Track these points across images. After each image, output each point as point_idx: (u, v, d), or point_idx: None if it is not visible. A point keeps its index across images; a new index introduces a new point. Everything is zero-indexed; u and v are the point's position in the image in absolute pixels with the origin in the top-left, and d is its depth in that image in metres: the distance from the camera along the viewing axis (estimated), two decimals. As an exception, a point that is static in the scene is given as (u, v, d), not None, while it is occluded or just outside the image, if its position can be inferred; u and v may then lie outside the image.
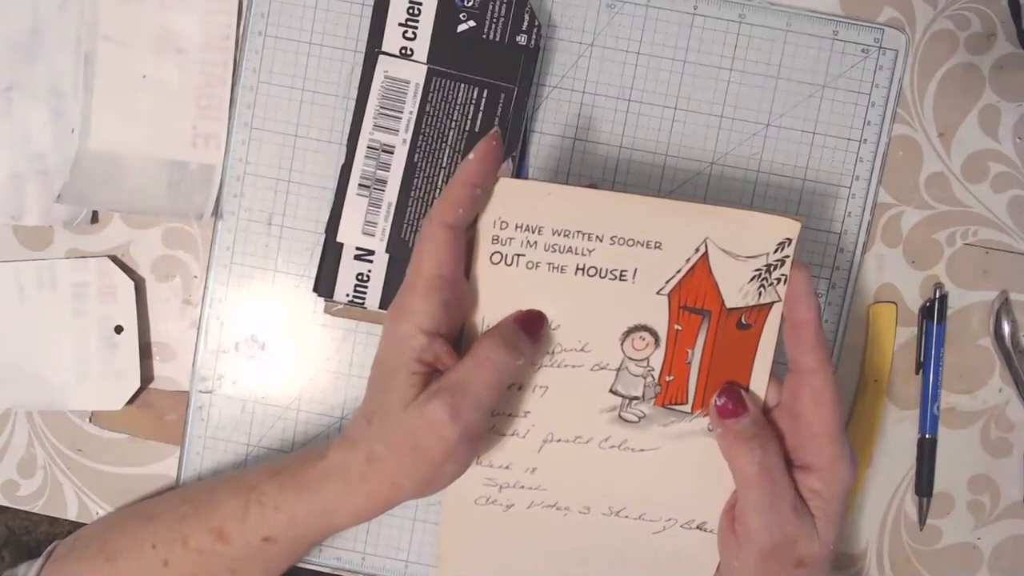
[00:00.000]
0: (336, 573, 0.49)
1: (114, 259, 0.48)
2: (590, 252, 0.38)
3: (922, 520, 0.49)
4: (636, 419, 0.40)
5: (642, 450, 0.41)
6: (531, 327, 0.39)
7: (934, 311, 0.47)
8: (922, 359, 0.48)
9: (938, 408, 0.48)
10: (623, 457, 0.41)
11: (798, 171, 0.47)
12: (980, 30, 0.47)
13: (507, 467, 0.41)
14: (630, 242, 0.38)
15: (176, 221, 0.48)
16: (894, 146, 0.47)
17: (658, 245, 0.38)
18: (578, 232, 0.38)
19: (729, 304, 0.39)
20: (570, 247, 0.38)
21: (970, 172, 0.47)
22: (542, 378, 0.40)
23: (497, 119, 0.46)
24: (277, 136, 0.47)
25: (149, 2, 0.47)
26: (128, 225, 0.48)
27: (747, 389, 0.40)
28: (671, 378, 0.40)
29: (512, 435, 0.41)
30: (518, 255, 0.39)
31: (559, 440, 0.41)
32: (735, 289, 0.39)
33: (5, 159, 0.47)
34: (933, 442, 0.48)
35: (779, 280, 0.39)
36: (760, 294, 0.39)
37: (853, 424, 0.48)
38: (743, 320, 0.40)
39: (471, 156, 0.37)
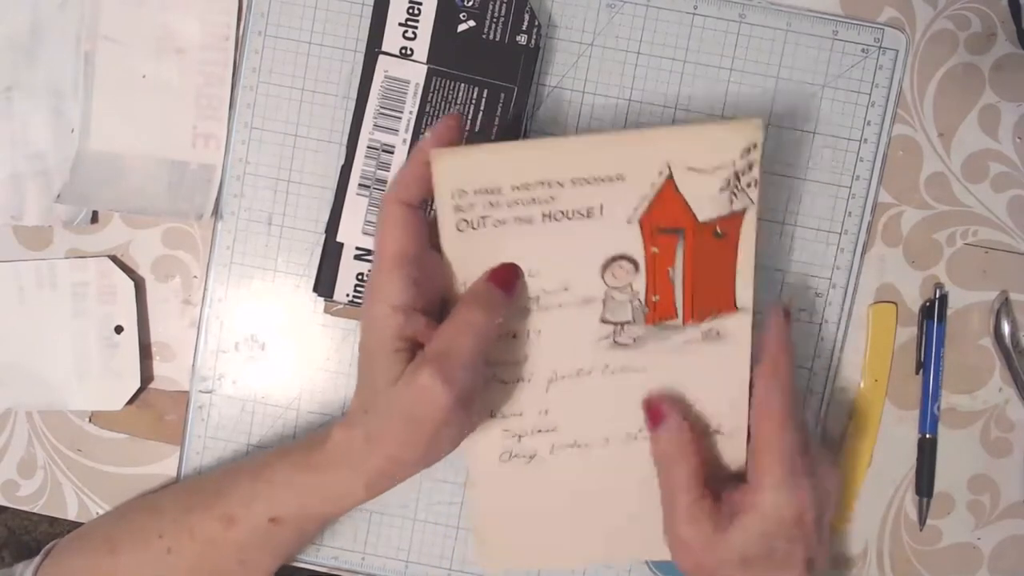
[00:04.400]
0: (336, 573, 0.49)
1: (114, 259, 0.48)
2: (553, 199, 0.39)
3: (922, 520, 0.49)
4: (631, 341, 0.41)
5: (644, 369, 0.41)
6: (505, 281, 0.39)
7: (934, 311, 0.47)
8: (922, 359, 0.48)
9: (938, 408, 0.48)
10: (628, 380, 0.42)
11: (798, 171, 0.47)
12: (980, 30, 0.47)
13: (520, 414, 0.42)
14: (591, 180, 0.38)
15: (176, 221, 0.48)
16: (894, 146, 0.47)
17: (620, 177, 0.38)
18: (537, 182, 0.38)
19: (701, 217, 0.39)
20: (532, 198, 0.38)
21: (970, 172, 0.47)
22: (533, 323, 0.41)
23: (497, 119, 0.46)
24: (277, 136, 0.47)
25: (149, 2, 0.47)
26: (128, 225, 0.48)
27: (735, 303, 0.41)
28: (657, 297, 0.40)
29: (518, 381, 0.41)
30: (483, 217, 0.39)
31: (563, 377, 0.42)
32: (705, 201, 0.39)
33: (5, 159, 0.47)
34: (933, 442, 0.48)
35: (749, 184, 0.39)
36: (732, 201, 0.39)
37: (853, 424, 0.48)
38: (718, 230, 0.40)
39: (427, 135, 0.38)
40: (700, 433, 0.41)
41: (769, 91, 0.47)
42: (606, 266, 0.40)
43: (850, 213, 0.47)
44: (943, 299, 0.47)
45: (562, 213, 0.39)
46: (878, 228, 0.48)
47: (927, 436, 0.48)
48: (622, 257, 0.40)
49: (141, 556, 0.42)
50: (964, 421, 0.49)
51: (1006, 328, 0.48)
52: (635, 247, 0.40)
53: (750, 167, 0.39)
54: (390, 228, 0.37)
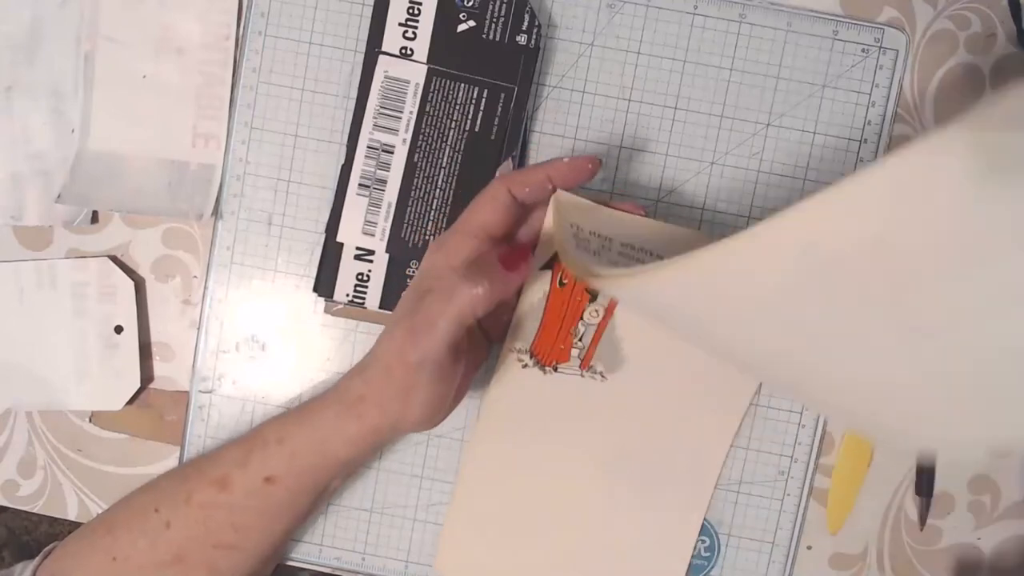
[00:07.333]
0: (336, 573, 0.49)
1: (114, 259, 0.48)
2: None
3: (922, 520, 0.49)
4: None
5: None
6: (512, 263, 0.39)
7: (934, 311, 0.47)
8: (922, 359, 0.48)
9: (938, 408, 0.48)
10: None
11: (798, 171, 0.47)
12: (980, 30, 0.47)
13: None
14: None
15: (176, 221, 0.48)
16: (894, 146, 0.47)
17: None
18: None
19: None
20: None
21: (970, 172, 0.47)
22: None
23: (497, 119, 0.46)
24: (277, 136, 0.47)
25: (149, 2, 0.47)
26: (128, 225, 0.48)
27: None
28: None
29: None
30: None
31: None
32: None
33: (5, 159, 0.47)
34: (933, 442, 0.48)
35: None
36: None
37: (853, 424, 0.48)
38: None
39: (566, 160, 0.40)
40: None
41: (769, 91, 0.47)
42: None
43: (850, 213, 0.47)
44: (943, 299, 0.47)
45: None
46: (878, 228, 0.48)
47: (927, 436, 0.48)
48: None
49: (138, 530, 0.42)
50: (964, 421, 0.49)
51: (1006, 328, 0.48)
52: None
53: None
54: (489, 204, 0.39)
